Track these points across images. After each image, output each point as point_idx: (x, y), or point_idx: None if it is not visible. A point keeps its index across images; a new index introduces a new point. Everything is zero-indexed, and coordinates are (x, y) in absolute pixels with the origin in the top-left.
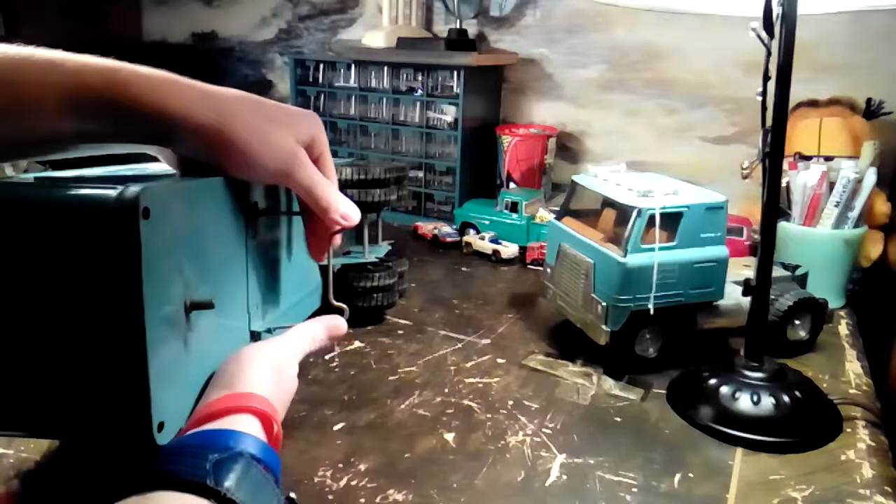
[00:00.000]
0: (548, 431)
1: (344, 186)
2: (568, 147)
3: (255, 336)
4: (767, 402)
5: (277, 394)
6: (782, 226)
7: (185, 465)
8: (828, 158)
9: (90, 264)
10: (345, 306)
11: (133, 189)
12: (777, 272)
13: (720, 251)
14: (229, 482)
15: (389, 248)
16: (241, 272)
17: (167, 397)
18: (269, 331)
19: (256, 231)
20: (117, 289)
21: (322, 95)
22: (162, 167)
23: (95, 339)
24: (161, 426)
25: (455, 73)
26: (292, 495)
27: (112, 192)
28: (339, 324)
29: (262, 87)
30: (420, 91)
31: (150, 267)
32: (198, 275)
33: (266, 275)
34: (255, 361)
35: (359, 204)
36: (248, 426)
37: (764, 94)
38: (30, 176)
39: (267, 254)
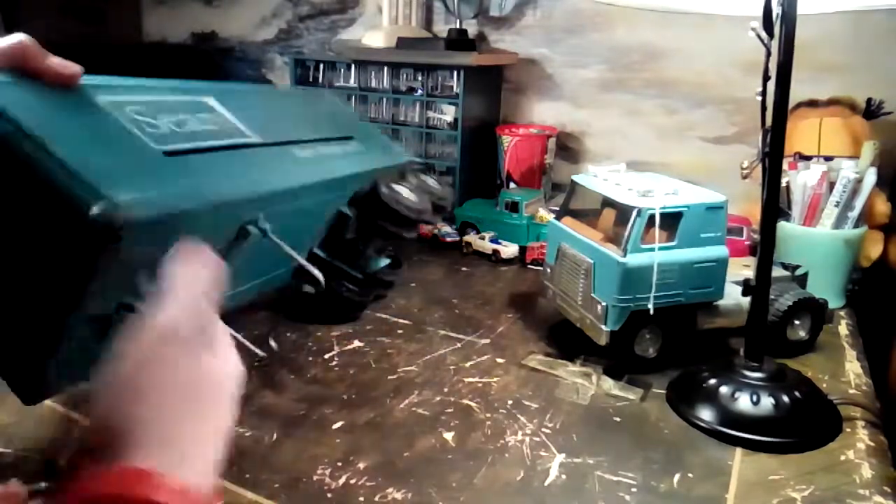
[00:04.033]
0: (547, 431)
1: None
2: (568, 147)
3: None
4: (767, 403)
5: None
6: (782, 226)
7: None
8: (828, 158)
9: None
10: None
11: (117, 213)
12: (777, 272)
13: (720, 251)
14: None
15: (388, 260)
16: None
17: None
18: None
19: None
20: (61, 280)
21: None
22: None
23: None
24: None
25: (455, 73)
26: (272, 342)
27: (95, 204)
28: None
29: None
30: (420, 91)
31: (103, 279)
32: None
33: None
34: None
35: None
36: None
37: (764, 94)
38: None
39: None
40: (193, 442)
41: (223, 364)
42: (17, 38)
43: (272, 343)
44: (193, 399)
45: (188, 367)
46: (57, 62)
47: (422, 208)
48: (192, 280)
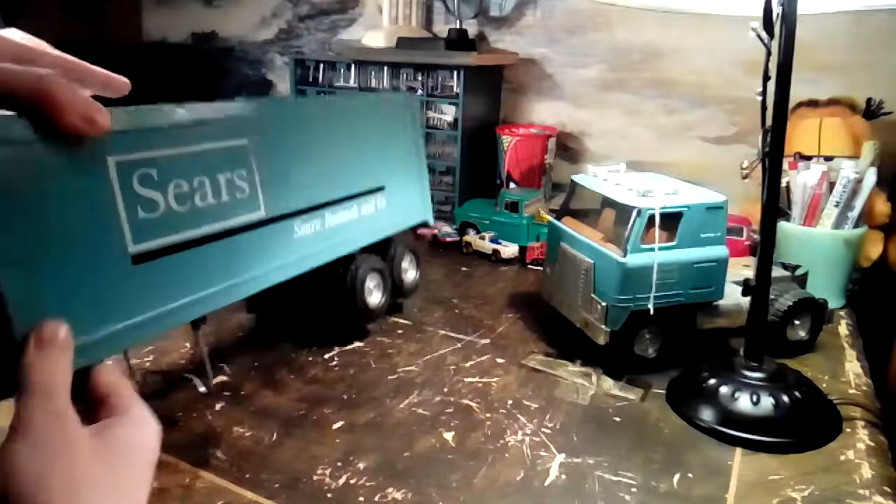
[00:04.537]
0: (547, 431)
1: None
2: (568, 147)
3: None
4: (767, 403)
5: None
6: (782, 226)
7: None
8: (828, 158)
9: None
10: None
11: None
12: (777, 272)
13: (720, 251)
14: None
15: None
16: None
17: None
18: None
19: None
20: None
21: (322, 95)
22: None
23: None
24: None
25: (455, 73)
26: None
27: None
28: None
29: (263, 87)
30: (420, 91)
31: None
32: None
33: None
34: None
35: None
36: None
37: (764, 94)
38: None
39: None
40: None
41: (131, 435)
42: (46, 72)
43: (201, 387)
44: (102, 481)
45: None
46: (81, 110)
47: (379, 306)
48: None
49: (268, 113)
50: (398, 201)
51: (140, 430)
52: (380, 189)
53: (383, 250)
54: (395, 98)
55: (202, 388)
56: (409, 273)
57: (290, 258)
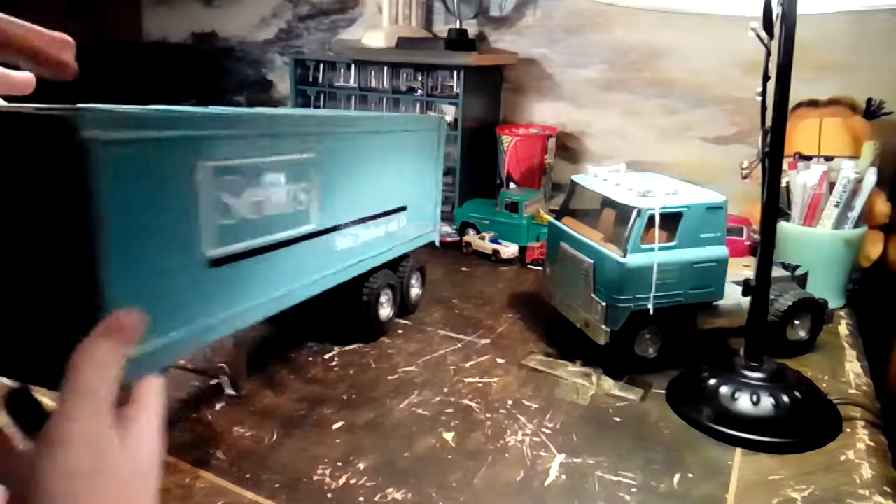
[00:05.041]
0: (547, 431)
1: None
2: (568, 147)
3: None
4: (767, 403)
5: None
6: (782, 226)
7: None
8: (828, 158)
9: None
10: None
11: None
12: (777, 272)
13: (720, 251)
14: None
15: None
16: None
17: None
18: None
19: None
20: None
21: (322, 95)
22: None
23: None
24: None
25: (455, 73)
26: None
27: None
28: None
29: (263, 87)
30: (420, 91)
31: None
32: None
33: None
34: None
35: None
36: None
37: (764, 94)
38: None
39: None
40: None
41: (131, 462)
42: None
43: (230, 389)
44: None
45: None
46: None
47: (388, 320)
48: (97, 376)
49: (330, 127)
50: (415, 221)
51: (145, 443)
52: (403, 208)
53: (395, 266)
54: (429, 120)
55: (230, 391)
56: (415, 289)
57: (330, 270)
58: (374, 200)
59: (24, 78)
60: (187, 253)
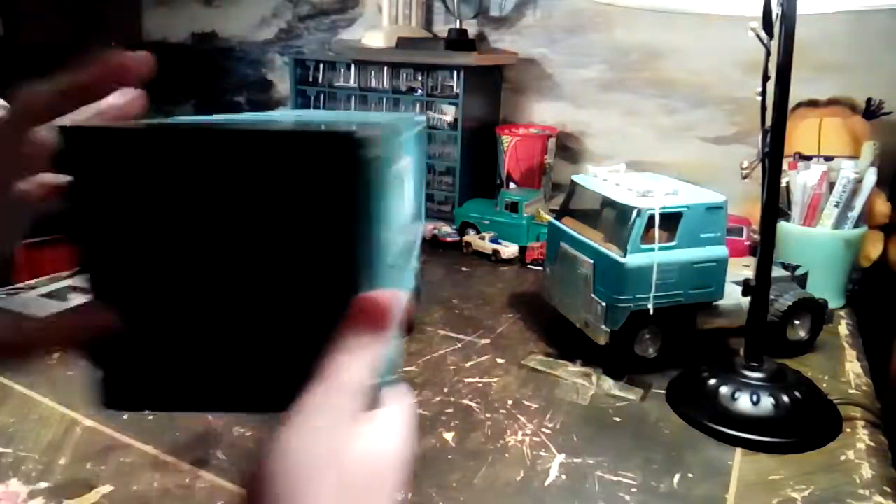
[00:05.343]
0: (547, 431)
1: None
2: (568, 147)
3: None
4: (767, 403)
5: None
6: (782, 226)
7: None
8: (828, 158)
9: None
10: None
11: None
12: (777, 272)
13: (720, 251)
14: None
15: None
16: None
17: None
18: None
19: None
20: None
21: (322, 95)
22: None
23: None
24: None
25: (455, 73)
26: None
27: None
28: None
29: (263, 87)
30: (420, 91)
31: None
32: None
33: None
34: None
35: None
36: None
37: (764, 94)
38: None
39: None
40: None
41: (378, 453)
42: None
43: None
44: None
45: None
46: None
47: None
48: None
49: (418, 130)
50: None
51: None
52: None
53: None
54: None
55: None
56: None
57: None
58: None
59: (123, 101)
60: (384, 258)
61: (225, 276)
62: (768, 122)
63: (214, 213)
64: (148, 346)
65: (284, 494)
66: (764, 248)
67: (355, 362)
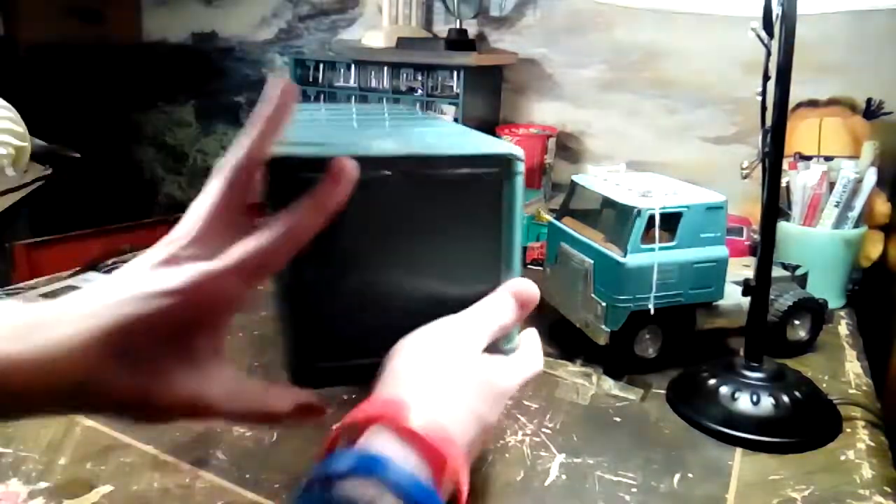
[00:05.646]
0: (547, 431)
1: None
2: (568, 147)
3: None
4: (767, 403)
5: (446, 405)
6: (782, 226)
7: None
8: (828, 158)
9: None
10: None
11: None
12: (777, 272)
13: (720, 251)
14: None
15: None
16: None
17: None
18: None
19: None
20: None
21: (322, 95)
22: None
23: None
24: None
25: (455, 73)
26: None
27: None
28: (527, 288)
29: (263, 88)
30: (420, 91)
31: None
32: None
33: None
34: (412, 355)
35: None
36: (395, 450)
37: (764, 94)
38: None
39: None
40: (450, 408)
41: (499, 371)
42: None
43: None
44: (458, 386)
45: (464, 363)
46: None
47: None
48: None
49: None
50: None
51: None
52: None
53: None
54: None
55: None
56: None
57: None
58: None
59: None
60: None
61: (408, 268)
62: (768, 122)
63: (401, 224)
64: (349, 324)
65: (394, 370)
66: (764, 248)
67: (496, 311)
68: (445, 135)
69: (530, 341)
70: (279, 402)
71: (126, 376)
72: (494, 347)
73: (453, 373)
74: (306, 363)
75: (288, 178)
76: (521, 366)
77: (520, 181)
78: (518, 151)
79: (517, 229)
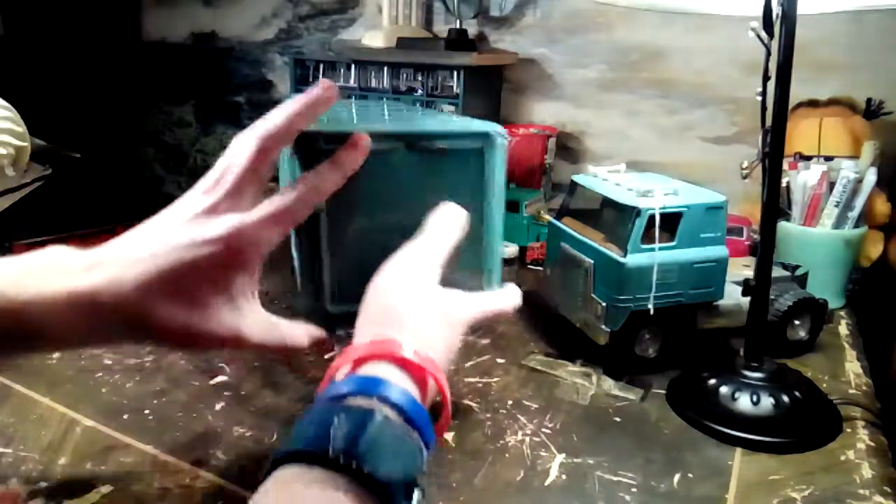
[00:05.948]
0: (547, 431)
1: None
2: (568, 147)
3: None
4: (767, 403)
5: (425, 335)
6: (782, 226)
7: (310, 434)
8: (828, 158)
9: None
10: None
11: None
12: (777, 272)
13: (720, 251)
14: (358, 446)
15: None
16: None
17: None
18: None
19: None
20: None
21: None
22: None
23: None
24: None
25: (455, 73)
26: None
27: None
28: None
29: (263, 88)
30: (420, 91)
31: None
32: None
33: None
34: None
35: None
36: (391, 375)
37: (764, 93)
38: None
39: None
40: (427, 338)
41: (454, 303)
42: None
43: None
44: (429, 318)
45: (430, 297)
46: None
47: None
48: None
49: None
50: None
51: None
52: None
53: None
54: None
55: None
56: None
57: None
58: None
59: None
60: None
61: (408, 225)
62: (768, 122)
63: (402, 186)
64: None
65: (374, 296)
66: (764, 248)
67: (444, 230)
68: (441, 120)
69: (505, 289)
70: (299, 337)
71: (179, 313)
72: (460, 283)
73: (423, 307)
74: (319, 307)
75: (313, 149)
76: (478, 302)
77: (500, 153)
78: (499, 128)
79: (499, 192)
